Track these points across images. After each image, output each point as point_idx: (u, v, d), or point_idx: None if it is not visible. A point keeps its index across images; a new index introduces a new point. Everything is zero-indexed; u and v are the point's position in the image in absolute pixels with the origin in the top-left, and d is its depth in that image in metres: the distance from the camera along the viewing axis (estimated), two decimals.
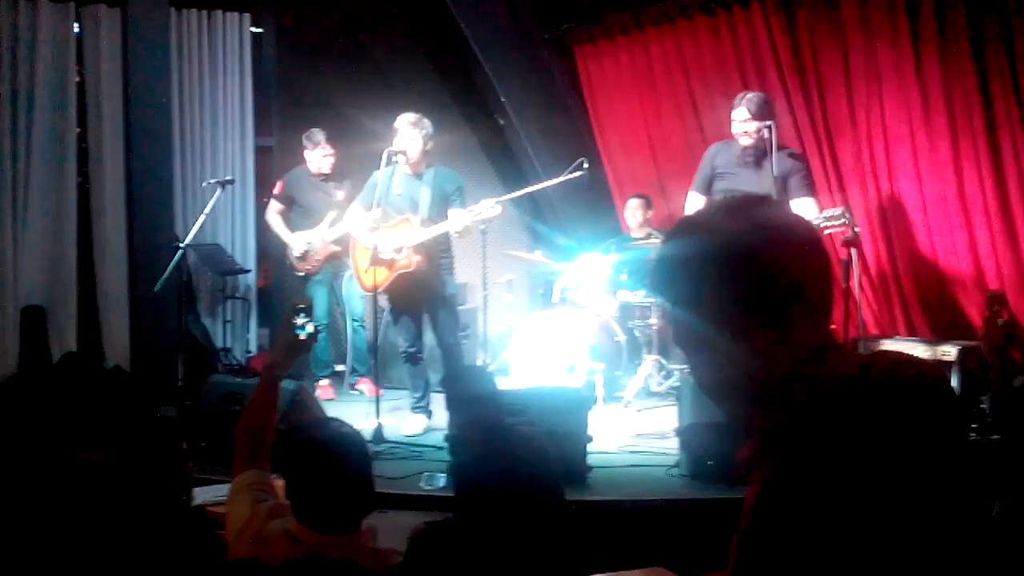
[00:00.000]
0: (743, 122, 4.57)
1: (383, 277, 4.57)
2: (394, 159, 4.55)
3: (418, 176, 4.65)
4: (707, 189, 4.83)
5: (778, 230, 1.03)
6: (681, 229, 1.08)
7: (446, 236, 4.71)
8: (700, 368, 1.08)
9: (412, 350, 4.75)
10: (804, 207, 4.50)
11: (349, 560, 1.56)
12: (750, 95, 4.62)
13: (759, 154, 4.59)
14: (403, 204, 4.61)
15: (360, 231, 4.66)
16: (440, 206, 4.60)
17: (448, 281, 4.74)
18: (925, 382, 0.98)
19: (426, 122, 4.61)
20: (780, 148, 4.68)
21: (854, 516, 0.91)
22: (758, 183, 4.54)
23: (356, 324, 5.88)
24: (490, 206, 4.48)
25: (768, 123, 4.51)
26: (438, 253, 4.66)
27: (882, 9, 4.87)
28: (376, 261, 4.46)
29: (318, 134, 5.67)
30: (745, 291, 1.00)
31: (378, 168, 4.60)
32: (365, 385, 5.77)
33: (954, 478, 0.96)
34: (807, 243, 1.04)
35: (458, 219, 4.51)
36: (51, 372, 5.35)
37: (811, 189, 4.69)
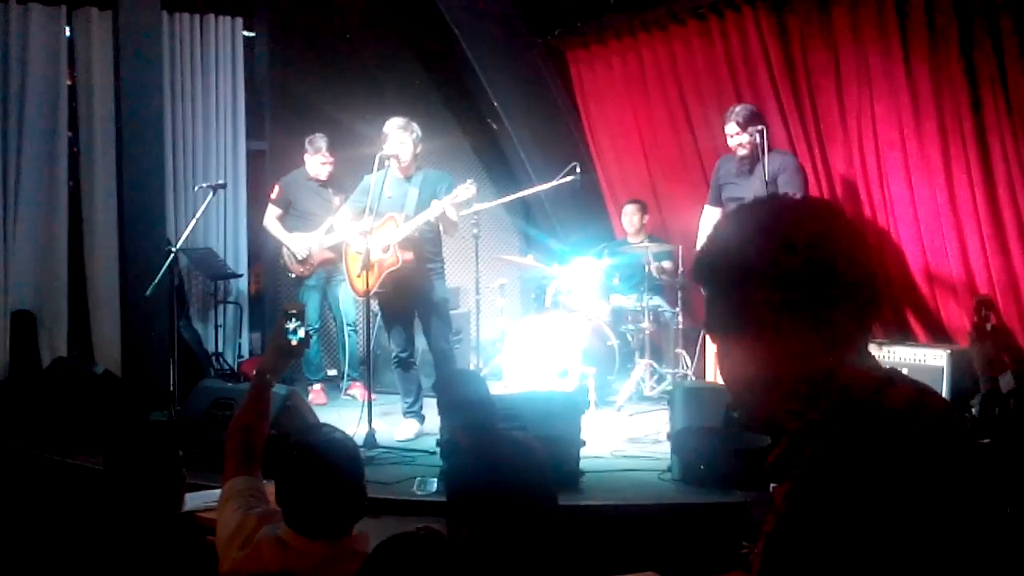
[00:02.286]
0: (735, 136, 4.82)
1: (373, 278, 4.56)
2: (386, 163, 4.55)
3: (408, 179, 4.66)
4: (718, 200, 5.08)
5: (832, 228, 1.04)
6: (734, 218, 1.09)
7: (438, 239, 4.70)
8: (731, 358, 1.07)
9: (404, 355, 4.74)
10: None
11: None
12: (737, 108, 4.86)
13: (754, 162, 4.81)
14: (392, 207, 4.60)
15: (351, 235, 4.65)
16: (428, 205, 4.59)
17: (440, 286, 4.74)
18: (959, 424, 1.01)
19: (415, 125, 4.62)
20: (771, 150, 4.81)
21: (885, 537, 0.92)
22: (753, 190, 4.71)
23: (348, 329, 5.87)
24: (465, 187, 4.48)
25: (759, 127, 4.68)
26: (427, 253, 4.65)
27: (872, 15, 4.90)
28: (368, 264, 4.45)
29: (320, 140, 5.67)
30: (791, 286, 1.00)
31: (369, 172, 4.60)
32: (357, 390, 5.75)
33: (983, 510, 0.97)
34: (860, 245, 1.04)
35: (436, 206, 4.49)
36: (41, 377, 5.31)
37: (800, 186, 4.78)
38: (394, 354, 4.78)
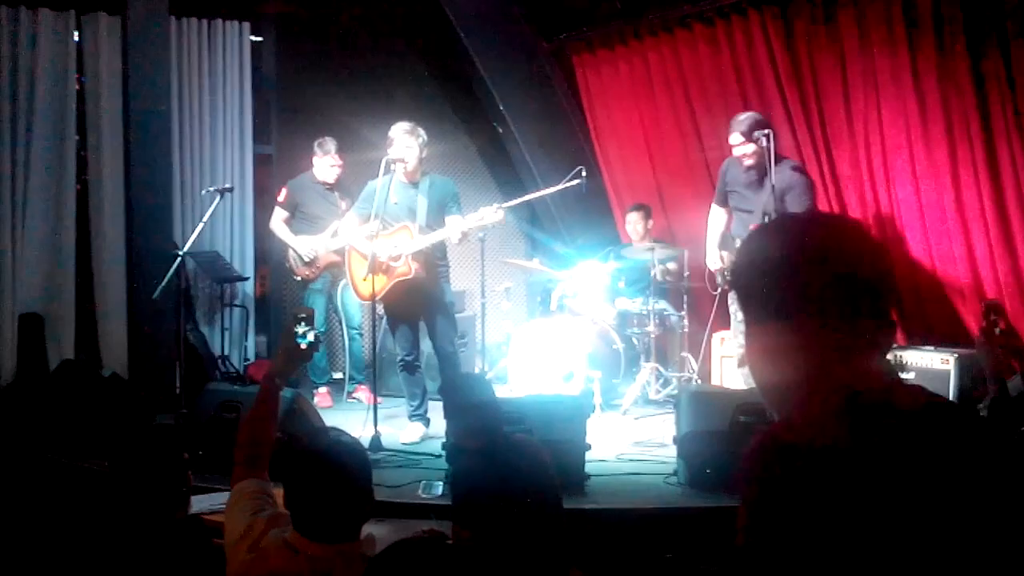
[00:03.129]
0: (739, 146, 4.77)
1: (381, 285, 4.57)
2: (392, 167, 4.55)
3: (414, 184, 4.66)
4: (724, 202, 5.08)
5: (855, 243, 1.13)
6: (764, 235, 1.20)
7: (443, 243, 4.71)
8: (764, 362, 1.14)
9: (409, 358, 4.75)
10: None
11: None
12: (741, 118, 4.80)
13: (762, 173, 4.72)
14: (400, 213, 4.61)
15: (358, 240, 4.66)
16: (437, 213, 4.61)
17: (445, 289, 4.74)
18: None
19: (420, 130, 4.62)
20: (783, 160, 4.75)
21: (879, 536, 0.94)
22: (760, 202, 4.69)
23: (353, 332, 5.88)
24: (492, 212, 4.48)
25: (765, 132, 4.62)
26: (435, 260, 4.66)
27: (879, 18, 4.90)
28: (375, 269, 4.46)
29: (329, 143, 5.68)
30: (818, 295, 1.08)
31: (375, 177, 4.61)
32: (363, 393, 5.76)
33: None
34: (880, 258, 1.14)
35: (459, 226, 4.50)
36: (48, 380, 5.33)
37: (811, 204, 4.71)
38: (399, 357, 4.79)
